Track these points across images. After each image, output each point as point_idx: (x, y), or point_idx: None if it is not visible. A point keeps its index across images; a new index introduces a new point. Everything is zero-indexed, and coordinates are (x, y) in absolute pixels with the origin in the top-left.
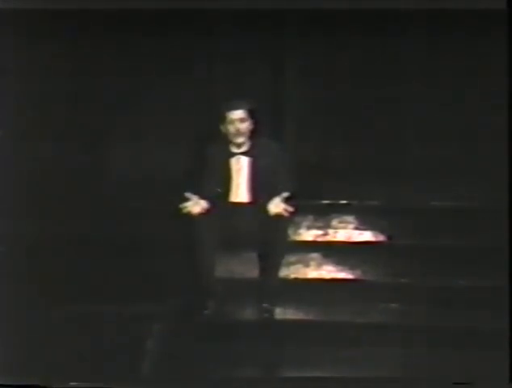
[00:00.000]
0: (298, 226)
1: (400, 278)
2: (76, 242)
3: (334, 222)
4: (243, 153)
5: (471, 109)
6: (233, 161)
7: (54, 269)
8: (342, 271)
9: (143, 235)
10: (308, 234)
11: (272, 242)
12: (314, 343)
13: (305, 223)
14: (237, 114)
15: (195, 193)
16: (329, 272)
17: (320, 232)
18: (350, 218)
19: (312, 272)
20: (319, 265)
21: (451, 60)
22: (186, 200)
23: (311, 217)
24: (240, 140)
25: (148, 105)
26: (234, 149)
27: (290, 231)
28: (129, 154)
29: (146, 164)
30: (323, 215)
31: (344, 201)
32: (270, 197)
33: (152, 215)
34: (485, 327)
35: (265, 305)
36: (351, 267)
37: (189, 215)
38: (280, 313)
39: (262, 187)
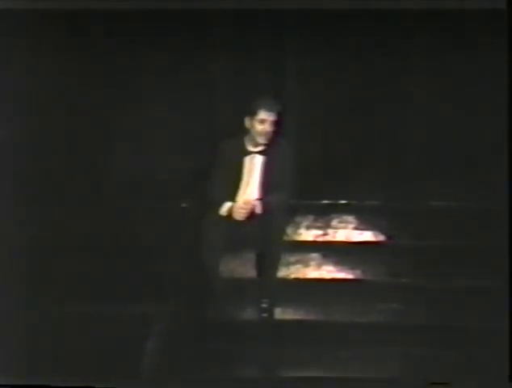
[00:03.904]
0: (298, 226)
1: (400, 278)
2: (76, 242)
3: (334, 222)
4: (259, 152)
5: (471, 109)
6: (247, 159)
7: (54, 269)
8: (341, 271)
9: (143, 235)
10: (308, 234)
11: (269, 242)
12: (314, 343)
13: (305, 223)
14: (271, 115)
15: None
16: (329, 272)
17: (320, 232)
18: (350, 218)
19: (312, 272)
20: (319, 265)
21: (451, 60)
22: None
23: (311, 217)
24: (264, 140)
25: (149, 105)
26: (250, 148)
27: (290, 231)
28: (129, 154)
29: (146, 164)
30: (323, 215)
31: (344, 201)
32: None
33: (152, 215)
34: (485, 327)
35: (264, 305)
36: (351, 267)
37: (188, 215)
38: (280, 313)
39: (271, 187)
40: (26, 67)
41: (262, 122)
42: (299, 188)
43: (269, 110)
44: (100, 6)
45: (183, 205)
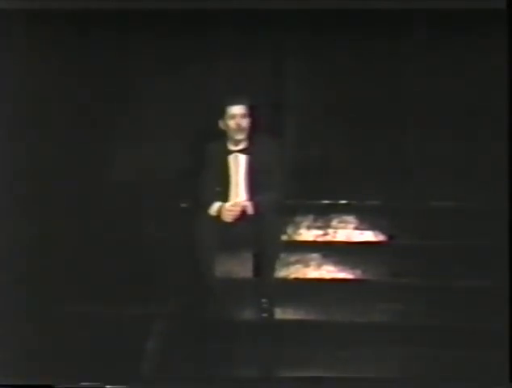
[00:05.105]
0: (298, 226)
1: (400, 278)
2: (76, 242)
3: (334, 222)
4: (241, 151)
5: (471, 109)
6: (231, 159)
7: (54, 269)
8: (342, 271)
9: (143, 235)
10: (308, 234)
11: (264, 243)
12: (314, 343)
13: (305, 223)
14: (239, 109)
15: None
16: (329, 272)
17: (320, 232)
18: (350, 218)
19: (313, 272)
20: (319, 265)
21: (451, 60)
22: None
23: (311, 217)
24: (240, 136)
25: (148, 105)
26: (232, 147)
27: (290, 231)
28: (129, 154)
29: (146, 164)
30: (323, 215)
31: (344, 201)
32: (266, 196)
33: (152, 215)
34: (485, 327)
35: (264, 305)
36: (351, 267)
37: (188, 215)
38: (280, 313)
39: (260, 186)
40: (26, 67)
41: (233, 117)
42: (298, 188)
43: (236, 103)
44: (100, 6)
45: (183, 205)
